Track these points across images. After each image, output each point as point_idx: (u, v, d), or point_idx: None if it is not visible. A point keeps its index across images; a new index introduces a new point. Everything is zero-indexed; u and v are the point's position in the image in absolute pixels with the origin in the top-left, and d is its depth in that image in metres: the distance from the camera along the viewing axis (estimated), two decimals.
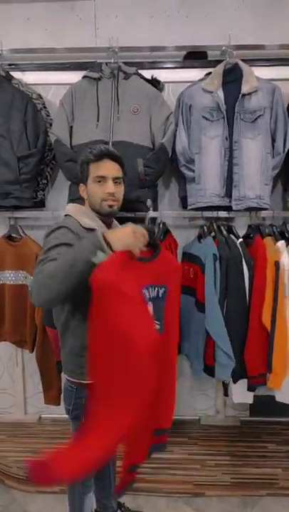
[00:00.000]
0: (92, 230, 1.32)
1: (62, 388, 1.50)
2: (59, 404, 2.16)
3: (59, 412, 2.39)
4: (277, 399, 1.92)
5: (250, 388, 1.92)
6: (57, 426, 2.44)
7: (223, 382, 1.96)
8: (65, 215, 1.40)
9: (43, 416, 2.54)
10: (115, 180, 1.40)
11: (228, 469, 2.07)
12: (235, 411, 2.48)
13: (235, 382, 1.93)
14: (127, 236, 1.17)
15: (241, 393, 1.96)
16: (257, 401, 2.09)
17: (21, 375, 2.50)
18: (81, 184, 1.44)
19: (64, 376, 1.47)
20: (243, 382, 1.93)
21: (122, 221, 1.58)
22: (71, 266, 1.11)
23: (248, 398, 1.97)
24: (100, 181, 1.38)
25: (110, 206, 1.39)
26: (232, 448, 2.22)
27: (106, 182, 1.38)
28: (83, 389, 1.37)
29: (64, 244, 1.22)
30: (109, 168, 1.39)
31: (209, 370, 1.98)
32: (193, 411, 2.52)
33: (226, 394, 1.99)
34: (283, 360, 1.83)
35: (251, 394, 1.95)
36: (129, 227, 1.19)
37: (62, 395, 1.52)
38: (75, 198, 1.98)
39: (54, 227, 1.30)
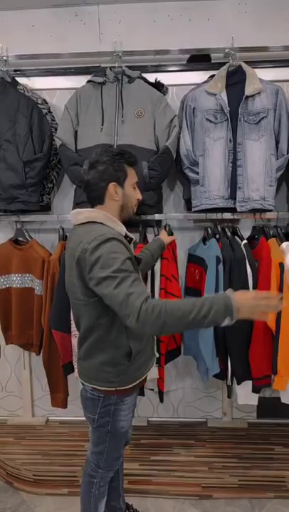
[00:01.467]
0: (125, 236, 1.37)
1: (82, 397, 1.48)
2: (66, 407, 2.17)
3: (66, 414, 2.41)
4: (283, 400, 1.91)
5: (255, 390, 1.92)
6: (64, 428, 2.45)
7: (226, 383, 1.95)
8: (93, 222, 1.34)
9: (50, 418, 2.55)
10: None
11: (236, 471, 2.06)
12: (243, 413, 2.48)
13: (239, 383, 1.93)
14: (249, 307, 1.19)
15: (246, 395, 1.95)
16: (264, 403, 2.09)
17: (29, 378, 2.52)
18: (114, 183, 1.38)
19: (84, 385, 1.45)
20: (247, 384, 1.92)
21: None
22: (202, 318, 1.15)
23: (253, 400, 1.96)
24: (135, 187, 1.46)
25: (135, 212, 1.49)
26: (239, 450, 2.21)
27: (137, 189, 1.47)
28: (111, 396, 1.39)
29: (127, 259, 1.24)
30: (137, 177, 1.48)
31: (217, 373, 1.98)
32: (200, 413, 2.52)
33: (229, 396, 1.99)
34: (288, 362, 1.82)
35: (256, 395, 1.95)
36: (250, 295, 1.22)
37: (83, 404, 1.48)
38: (81, 202, 2.01)
39: (102, 239, 1.24)
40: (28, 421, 2.53)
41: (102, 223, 1.33)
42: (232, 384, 1.95)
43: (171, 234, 2.09)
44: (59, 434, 2.41)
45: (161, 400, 2.08)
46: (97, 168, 1.38)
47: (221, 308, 1.15)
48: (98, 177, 1.37)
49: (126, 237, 1.38)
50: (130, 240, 1.41)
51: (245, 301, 1.19)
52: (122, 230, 1.37)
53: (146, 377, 1.50)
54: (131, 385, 1.41)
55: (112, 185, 1.38)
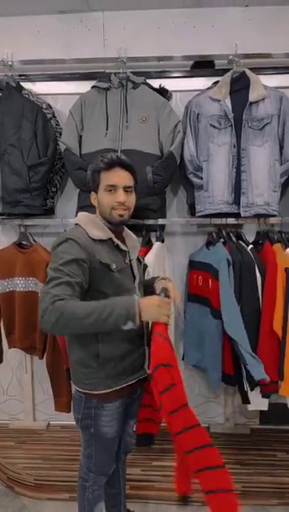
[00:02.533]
0: (101, 240, 1.34)
1: (72, 396, 1.50)
2: (69, 411, 2.16)
3: (68, 418, 2.39)
4: None
5: (264, 395, 1.90)
6: (65, 433, 2.44)
7: (239, 390, 1.93)
8: (75, 224, 1.39)
9: (51, 423, 2.54)
10: (126, 189, 1.39)
11: (239, 478, 2.04)
12: (245, 419, 2.46)
13: (252, 389, 1.91)
14: (153, 309, 1.22)
15: (256, 400, 1.93)
16: (267, 408, 2.08)
17: (30, 382, 2.51)
18: (92, 192, 1.43)
19: (74, 385, 1.46)
20: (256, 390, 1.91)
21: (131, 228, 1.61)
22: (102, 321, 1.16)
23: (263, 405, 1.94)
24: (110, 190, 1.37)
25: (121, 215, 1.38)
26: (242, 456, 2.20)
27: (117, 191, 1.37)
28: (92, 399, 1.38)
29: (73, 260, 1.23)
30: (120, 177, 1.38)
31: (227, 379, 1.97)
32: (203, 418, 2.50)
33: (245, 401, 1.96)
34: None
35: (266, 401, 1.93)
36: (155, 298, 1.26)
37: (72, 404, 1.50)
38: (84, 206, 2.01)
39: (61, 240, 1.28)
40: (30, 425, 2.52)
41: (78, 225, 1.36)
42: (247, 390, 1.91)
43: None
44: (60, 438, 2.40)
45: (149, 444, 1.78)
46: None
47: (122, 313, 1.17)
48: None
49: (113, 242, 1.38)
50: (117, 246, 1.39)
51: (150, 306, 1.22)
52: (98, 234, 1.35)
53: (132, 389, 1.44)
54: (104, 391, 1.36)
55: (92, 195, 1.44)
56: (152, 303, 1.23)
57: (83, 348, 1.35)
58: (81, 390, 1.39)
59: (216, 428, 2.45)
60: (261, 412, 2.14)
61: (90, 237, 1.32)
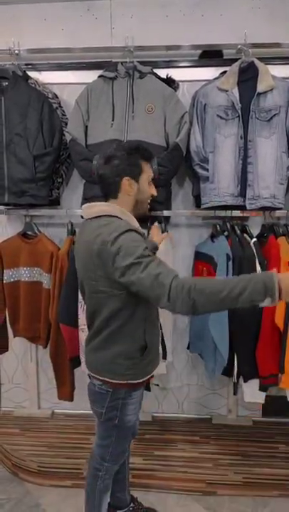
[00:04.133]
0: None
1: (89, 391, 1.48)
2: (72, 400, 2.19)
3: (72, 407, 2.43)
4: None
5: (262, 388, 1.91)
6: (69, 421, 2.47)
7: (233, 381, 1.95)
8: (108, 216, 1.34)
9: (56, 411, 2.57)
10: None
11: (240, 469, 2.07)
12: (248, 411, 2.48)
13: (246, 381, 1.92)
14: None
15: (252, 393, 1.95)
16: (269, 401, 2.09)
17: (35, 371, 2.54)
18: (128, 178, 1.38)
19: (93, 378, 1.44)
20: (254, 382, 1.92)
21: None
22: (233, 300, 1.10)
23: (260, 398, 1.96)
24: (150, 182, 1.45)
25: (148, 208, 1.48)
26: (244, 448, 2.22)
27: (152, 184, 1.46)
28: (120, 390, 1.40)
29: (146, 247, 1.24)
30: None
31: (224, 370, 1.98)
32: (205, 410, 2.52)
33: (235, 393, 1.99)
34: None
35: (263, 394, 1.95)
36: None
37: (91, 398, 1.48)
38: (90, 197, 2.01)
39: (121, 231, 1.24)
40: (34, 413, 2.56)
41: (117, 217, 1.34)
42: (238, 381, 1.94)
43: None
44: (64, 426, 2.43)
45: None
46: (112, 163, 1.37)
47: (258, 287, 1.09)
48: (113, 171, 1.37)
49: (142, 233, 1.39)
50: (142, 235, 1.40)
51: None
52: (136, 224, 1.37)
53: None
54: (141, 380, 1.41)
55: (126, 180, 1.38)
56: None
57: (130, 340, 1.36)
58: (114, 381, 1.38)
59: (218, 419, 2.47)
60: (264, 404, 2.15)
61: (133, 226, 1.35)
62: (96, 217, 1.36)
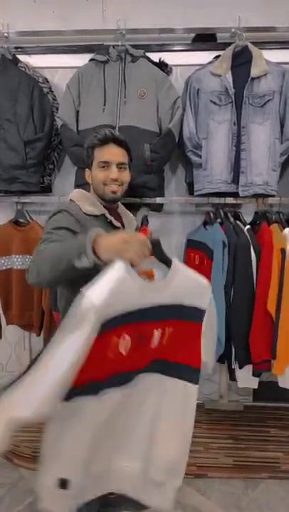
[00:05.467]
0: (95, 216, 1.35)
1: None
2: None
3: None
4: (281, 384, 1.94)
5: (255, 374, 1.94)
6: None
7: (228, 367, 1.97)
8: (70, 200, 1.40)
9: None
10: (119, 165, 1.40)
11: (231, 452, 2.10)
12: (239, 396, 2.51)
13: (241, 367, 1.94)
14: (115, 244, 1.01)
15: (246, 378, 1.97)
16: (260, 386, 2.11)
17: (29, 358, 2.55)
18: (87, 169, 1.44)
19: None
20: (248, 368, 1.94)
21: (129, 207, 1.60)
22: (58, 260, 1.08)
23: (253, 383, 1.99)
24: (103, 166, 1.39)
25: (113, 192, 1.39)
26: (235, 432, 2.25)
27: (110, 167, 1.38)
28: None
29: (64, 228, 1.23)
30: (113, 154, 1.39)
31: (219, 357, 1.99)
32: (198, 395, 2.54)
33: (231, 378, 2.01)
34: (287, 347, 1.83)
35: (256, 379, 1.97)
36: (120, 234, 1.05)
37: None
38: (82, 184, 1.98)
39: (55, 211, 1.31)
40: None
41: (72, 200, 1.38)
42: (234, 367, 1.96)
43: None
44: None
45: None
46: None
47: (74, 246, 1.06)
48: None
49: (106, 218, 1.39)
50: (110, 223, 1.39)
51: (113, 241, 1.02)
52: (91, 209, 1.36)
53: None
54: None
55: (86, 171, 1.45)
56: (118, 238, 1.02)
57: None
58: None
59: (210, 404, 2.50)
60: (254, 389, 2.19)
61: (83, 212, 1.33)
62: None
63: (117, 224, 1.42)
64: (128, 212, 1.55)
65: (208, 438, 2.21)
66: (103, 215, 1.38)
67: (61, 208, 1.32)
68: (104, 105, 1.96)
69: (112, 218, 1.40)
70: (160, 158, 1.96)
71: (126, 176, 1.43)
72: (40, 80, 2.09)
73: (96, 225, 1.31)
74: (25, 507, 1.82)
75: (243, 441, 2.18)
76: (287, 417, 2.38)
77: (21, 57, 2.13)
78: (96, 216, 1.36)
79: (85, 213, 1.33)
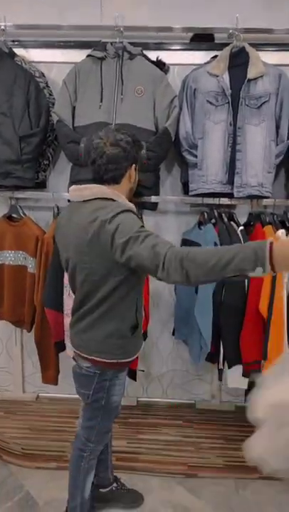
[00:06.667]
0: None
1: (75, 374, 1.48)
2: (57, 383, 2.19)
3: (57, 391, 2.44)
4: None
5: (245, 374, 1.94)
6: (54, 405, 2.48)
7: (217, 367, 1.98)
8: (103, 198, 1.32)
9: (40, 395, 2.58)
10: None
11: (222, 452, 2.11)
12: (231, 396, 2.52)
13: (230, 367, 1.95)
14: None
15: (236, 378, 1.98)
16: (252, 387, 2.12)
17: (20, 354, 2.53)
18: (135, 165, 1.44)
19: (80, 361, 1.44)
20: (238, 368, 1.95)
21: None
22: (223, 267, 1.05)
23: (243, 383, 1.99)
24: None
25: None
26: (226, 432, 2.26)
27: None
28: (107, 372, 1.41)
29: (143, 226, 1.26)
30: None
31: (209, 356, 2.00)
32: (189, 395, 2.55)
33: (220, 379, 2.02)
34: (278, 348, 1.84)
35: (246, 380, 1.98)
36: None
37: (77, 381, 1.49)
38: (77, 180, 1.97)
39: (118, 211, 1.25)
40: (19, 396, 2.56)
41: (113, 199, 1.33)
42: (223, 367, 1.97)
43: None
44: (49, 410, 2.45)
45: None
46: (122, 147, 1.36)
47: (248, 256, 1.02)
48: (123, 156, 1.36)
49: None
50: (138, 216, 1.41)
51: (287, 250, 1.00)
52: (133, 208, 1.37)
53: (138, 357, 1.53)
54: (130, 359, 1.44)
55: (134, 167, 1.43)
56: None
57: (122, 319, 1.37)
58: (105, 360, 1.39)
59: (201, 404, 2.51)
60: (247, 390, 2.19)
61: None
62: (89, 200, 1.34)
63: None
64: None
65: (200, 438, 2.22)
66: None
67: (124, 207, 1.29)
68: (101, 102, 1.95)
69: (139, 214, 1.48)
70: (156, 156, 1.95)
71: None
72: (37, 74, 2.08)
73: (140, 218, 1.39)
74: (15, 503, 1.82)
75: (234, 441, 2.19)
76: None
77: (18, 51, 2.11)
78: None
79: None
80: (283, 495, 1.89)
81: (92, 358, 1.40)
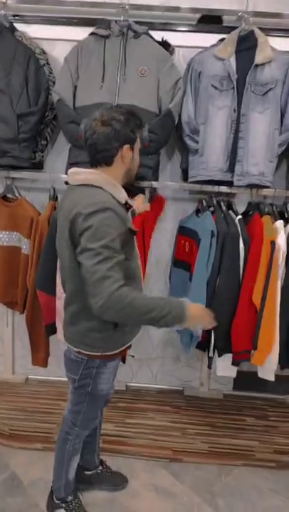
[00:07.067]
0: (125, 203, 1.32)
1: (65, 358, 1.48)
2: (46, 366, 2.19)
3: (46, 374, 2.44)
4: (260, 375, 1.96)
5: (234, 363, 1.95)
6: (43, 387, 2.49)
7: (207, 355, 1.98)
8: (92, 186, 1.27)
9: (30, 377, 2.58)
10: None
11: (207, 439, 2.14)
12: (219, 384, 2.54)
13: (220, 355, 1.96)
14: (202, 316, 1.33)
15: (225, 367, 1.99)
16: (240, 376, 2.14)
17: (11, 336, 2.52)
18: (128, 146, 1.32)
19: (70, 347, 1.44)
20: (227, 357, 1.96)
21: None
22: (151, 319, 1.21)
23: (232, 372, 2.01)
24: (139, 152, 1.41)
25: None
26: (213, 419, 2.29)
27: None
28: (95, 360, 1.40)
29: (118, 235, 1.21)
30: None
31: (199, 345, 2.01)
32: (178, 382, 2.57)
33: (209, 366, 2.03)
34: (269, 339, 1.84)
35: (235, 368, 1.99)
36: (202, 309, 1.36)
37: (66, 365, 1.49)
38: (75, 162, 1.93)
39: (98, 208, 1.19)
40: (8, 378, 2.56)
41: (101, 188, 1.27)
42: (213, 355, 1.97)
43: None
44: (38, 392, 2.45)
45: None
46: (113, 126, 1.28)
47: (177, 316, 1.24)
48: (113, 136, 1.28)
49: (126, 204, 1.33)
50: (129, 208, 1.35)
51: (195, 315, 1.29)
52: (123, 197, 1.31)
53: (130, 344, 1.50)
54: (116, 351, 1.41)
55: (126, 147, 1.31)
56: (201, 313, 1.33)
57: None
58: (89, 353, 1.38)
59: (190, 391, 2.53)
60: (235, 378, 2.21)
61: (117, 201, 1.28)
62: (80, 185, 1.30)
63: (133, 209, 1.42)
64: None
65: (186, 424, 2.24)
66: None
67: (103, 205, 1.20)
68: (103, 82, 1.90)
69: (132, 204, 1.38)
70: (158, 138, 1.90)
71: None
72: (37, 51, 2.01)
73: (123, 212, 1.28)
74: (1, 482, 1.83)
75: (220, 428, 2.22)
76: (265, 407, 2.42)
77: (19, 26, 2.05)
78: (122, 203, 1.31)
79: (119, 203, 1.28)
80: (265, 482, 1.92)
81: (79, 350, 1.40)
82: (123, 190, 1.33)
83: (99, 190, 1.26)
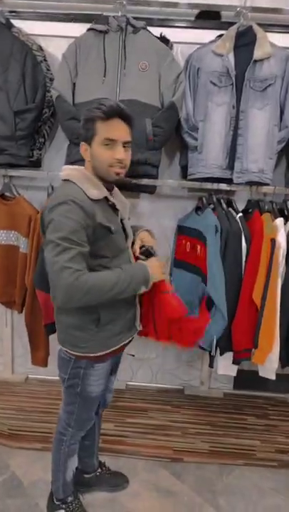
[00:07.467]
0: (97, 200, 1.27)
1: (57, 356, 1.46)
2: (46, 365, 2.17)
3: (46, 373, 2.43)
4: (261, 374, 1.94)
5: (235, 362, 1.94)
6: (43, 387, 2.48)
7: (209, 353, 1.97)
8: (65, 180, 1.29)
9: (30, 376, 2.57)
10: (125, 144, 1.29)
11: (208, 438, 2.12)
12: (220, 383, 2.53)
13: (221, 354, 1.94)
14: (157, 270, 1.36)
15: (226, 365, 1.98)
16: (241, 375, 2.13)
17: (10, 335, 2.51)
18: (83, 143, 1.30)
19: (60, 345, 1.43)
20: (228, 355, 1.94)
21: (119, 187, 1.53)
22: (123, 290, 1.24)
23: (232, 371, 2.00)
24: (108, 144, 1.26)
25: (118, 174, 1.30)
26: (213, 418, 2.27)
27: (116, 146, 1.27)
28: (82, 360, 1.37)
29: (81, 227, 1.18)
30: (120, 131, 1.27)
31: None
32: (178, 381, 2.56)
33: (211, 365, 2.01)
34: (269, 337, 1.83)
35: (235, 367, 1.98)
36: (156, 261, 1.39)
37: (57, 363, 1.47)
38: (75, 160, 1.91)
39: (60, 201, 1.19)
40: (8, 377, 2.55)
41: (75, 183, 1.26)
42: (215, 354, 1.96)
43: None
44: (37, 391, 2.44)
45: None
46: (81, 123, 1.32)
47: (140, 280, 1.29)
48: (79, 135, 1.36)
49: (108, 201, 1.32)
50: (112, 206, 1.33)
51: (156, 269, 1.35)
52: (97, 193, 1.27)
53: (123, 346, 1.46)
54: (102, 353, 1.36)
55: (82, 145, 1.32)
56: (156, 265, 1.36)
57: (81, 314, 1.31)
58: (74, 352, 1.36)
59: (190, 390, 2.52)
60: (235, 377, 2.20)
61: (88, 197, 1.24)
62: (63, 180, 1.32)
63: (118, 207, 1.37)
64: (119, 192, 1.49)
65: (186, 423, 2.22)
66: (105, 197, 1.31)
67: (67, 197, 1.19)
68: (104, 77, 1.87)
69: (115, 201, 1.35)
70: (163, 132, 1.87)
71: (130, 157, 1.33)
72: (34, 47, 1.99)
73: (99, 209, 1.26)
74: (0, 483, 1.82)
75: (221, 427, 2.20)
76: (266, 406, 2.41)
77: (15, 22, 2.02)
78: (98, 200, 1.28)
79: (90, 198, 1.24)
80: (266, 481, 1.91)
81: (66, 348, 1.39)
82: (100, 185, 1.30)
83: (72, 185, 1.26)
